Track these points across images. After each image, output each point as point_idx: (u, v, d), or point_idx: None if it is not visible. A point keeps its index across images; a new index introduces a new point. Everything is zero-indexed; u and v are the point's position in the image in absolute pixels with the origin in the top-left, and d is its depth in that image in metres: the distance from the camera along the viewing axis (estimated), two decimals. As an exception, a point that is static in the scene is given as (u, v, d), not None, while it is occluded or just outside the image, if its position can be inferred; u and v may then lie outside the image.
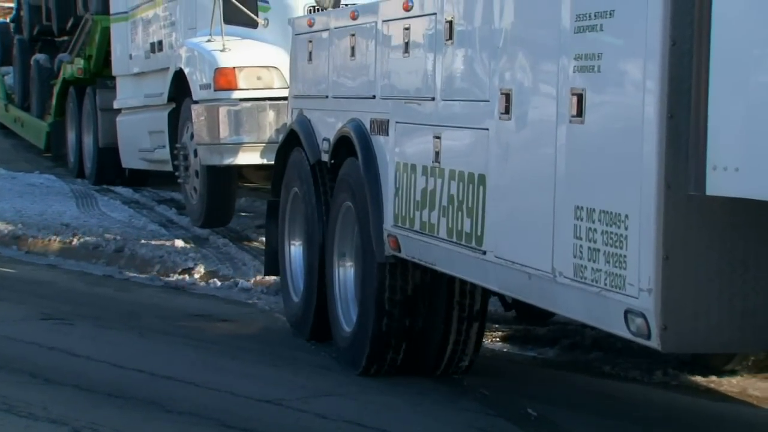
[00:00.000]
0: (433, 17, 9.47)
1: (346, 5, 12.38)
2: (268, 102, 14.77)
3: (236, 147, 15.49)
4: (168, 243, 17.42)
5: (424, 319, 10.21)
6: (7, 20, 32.11)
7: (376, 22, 10.66)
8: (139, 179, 20.07)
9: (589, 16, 6.99)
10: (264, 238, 15.33)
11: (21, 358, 11.38)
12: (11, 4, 51.89)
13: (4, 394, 9.51)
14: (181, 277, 15.67)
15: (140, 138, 18.88)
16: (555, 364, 11.92)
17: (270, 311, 13.84)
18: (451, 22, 8.97)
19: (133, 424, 9.36)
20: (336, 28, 11.64)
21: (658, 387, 10.86)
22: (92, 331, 12.88)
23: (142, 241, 17.45)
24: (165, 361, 11.63)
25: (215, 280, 15.48)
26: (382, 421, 9.72)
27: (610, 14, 6.78)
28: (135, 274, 16.19)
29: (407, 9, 9.83)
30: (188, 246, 17.04)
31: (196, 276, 15.62)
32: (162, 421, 9.59)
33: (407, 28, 9.95)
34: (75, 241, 17.62)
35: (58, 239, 17.72)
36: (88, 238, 17.67)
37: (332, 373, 11.05)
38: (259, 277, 14.85)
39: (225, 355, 11.98)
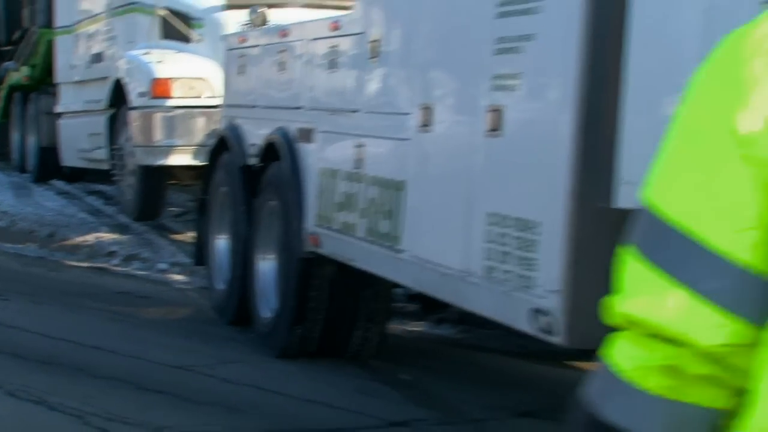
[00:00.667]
0: (359, 36, 9.48)
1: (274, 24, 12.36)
2: (199, 109, 14.73)
3: (169, 149, 15.53)
4: (95, 229, 17.48)
5: (337, 308, 10.27)
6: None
7: (305, 40, 10.70)
8: (76, 177, 19.57)
9: (511, 39, 6.88)
10: (175, 226, 16.60)
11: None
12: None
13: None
14: (106, 258, 15.84)
15: (80, 139, 18.74)
16: (448, 341, 12.40)
17: (182, 290, 14.14)
18: (376, 42, 8.96)
19: (60, 387, 9.43)
20: (267, 44, 11.67)
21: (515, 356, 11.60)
22: (26, 306, 12.95)
23: (72, 227, 17.54)
24: (90, 333, 11.77)
25: (135, 261, 15.71)
26: (278, 384, 10.09)
27: (531, 38, 6.68)
28: (63, 256, 16.22)
29: (335, 29, 9.83)
30: (113, 233, 17.16)
31: (119, 259, 15.78)
32: (86, 385, 9.64)
33: (334, 46, 9.98)
34: (12, 226, 17.52)
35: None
36: (23, 224, 17.67)
37: (237, 344, 11.38)
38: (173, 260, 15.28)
39: (143, 327, 12.40)
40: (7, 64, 23.50)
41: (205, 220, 12.38)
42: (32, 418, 9.02)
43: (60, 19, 19.55)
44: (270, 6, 13.50)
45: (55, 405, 9.12)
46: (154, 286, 14.50)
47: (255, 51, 11.94)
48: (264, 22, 12.32)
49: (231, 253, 11.64)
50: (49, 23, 20.30)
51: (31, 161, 21.88)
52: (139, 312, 12.90)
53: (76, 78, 18.87)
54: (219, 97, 13.12)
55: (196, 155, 13.50)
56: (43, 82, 20.57)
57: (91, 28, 18.29)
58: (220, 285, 11.87)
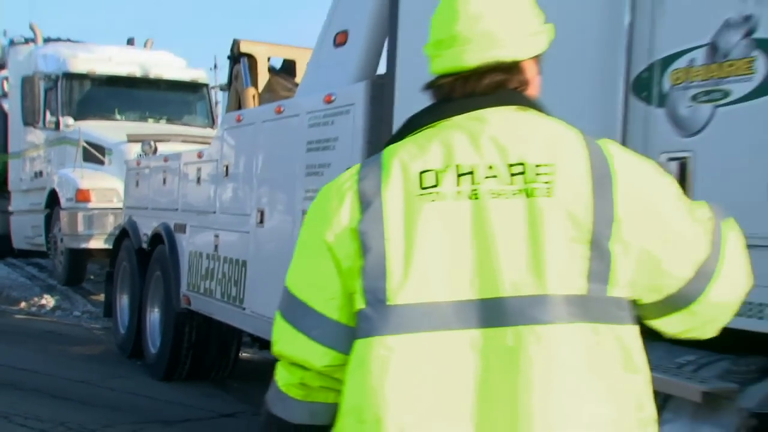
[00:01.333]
0: (216, 162, 9.66)
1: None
2: (109, 210, 14.80)
3: (88, 237, 15.50)
4: (30, 289, 17.30)
5: (203, 345, 10.48)
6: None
7: (180, 164, 10.82)
8: (22, 254, 19.31)
9: (315, 166, 7.28)
10: (92, 288, 16.35)
11: None
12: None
13: None
14: (36, 309, 15.79)
15: (25, 229, 18.58)
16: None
17: (90, 329, 14.17)
18: (227, 165, 9.17)
19: None
20: (155, 166, 11.76)
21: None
22: None
23: (15, 288, 17.33)
24: (22, 359, 11.59)
25: (58, 311, 15.65)
26: (148, 391, 10.15)
27: (328, 165, 6.95)
28: (7, 307, 15.95)
29: (200, 157, 10.06)
30: (43, 292, 16.88)
31: (47, 308, 15.74)
32: (13, 395, 9.51)
33: (200, 168, 10.22)
34: None
35: None
36: None
37: (131, 369, 11.34)
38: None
39: (61, 355, 12.24)
40: None
41: (111, 284, 12.32)
42: None
43: (12, 146, 19.23)
44: (157, 141, 13.76)
45: None
46: (71, 327, 14.33)
47: (146, 171, 11.95)
48: (154, 151, 12.51)
49: (129, 308, 11.65)
50: (5, 149, 19.77)
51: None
52: (59, 346, 12.71)
53: (24, 187, 18.68)
54: (122, 201, 13.12)
55: (106, 241, 13.55)
56: (3, 189, 20.10)
57: (34, 153, 18.10)
58: (121, 329, 11.93)
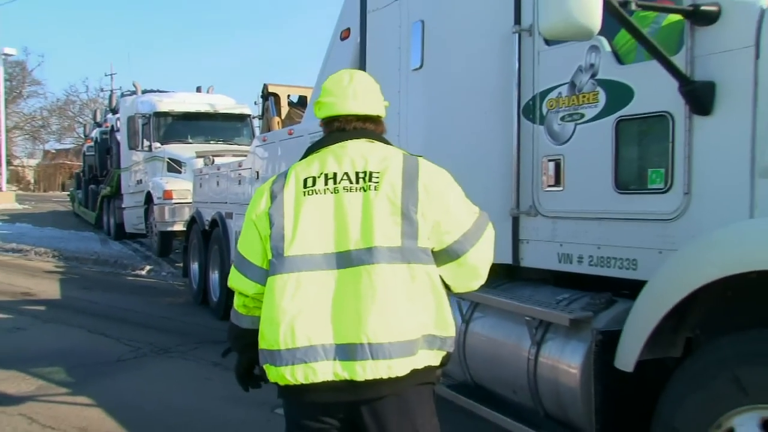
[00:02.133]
0: (250, 169, 9.48)
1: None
2: (185, 204, 14.33)
3: (172, 223, 15.16)
4: (134, 258, 16.99)
5: None
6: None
7: (227, 171, 10.60)
8: (131, 236, 19.19)
9: None
10: (173, 257, 15.91)
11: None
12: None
13: None
14: (140, 272, 15.40)
15: (133, 219, 18.30)
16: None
17: (174, 285, 13.67)
18: (258, 171, 9.15)
19: (105, 326, 8.71)
20: (211, 173, 11.48)
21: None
22: (102, 292, 12.50)
23: (125, 258, 16.98)
24: (128, 303, 11.35)
25: (153, 272, 15.31)
26: (209, 324, 9.69)
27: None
28: (120, 270, 15.71)
29: (240, 166, 10.05)
30: (144, 261, 16.51)
31: (144, 271, 15.37)
32: (122, 326, 9.24)
33: (240, 173, 9.94)
34: (98, 258, 16.83)
35: (91, 258, 16.90)
36: (103, 257, 16.91)
37: (195, 308, 11.01)
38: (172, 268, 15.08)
39: (154, 301, 11.86)
40: (101, 186, 22.78)
41: (187, 255, 11.96)
42: (83, 337, 8.89)
43: (123, 164, 19.04)
44: (215, 155, 13.60)
45: (105, 332, 9.03)
46: (161, 284, 13.98)
47: (206, 176, 11.65)
48: (212, 163, 12.32)
49: (198, 270, 11.24)
50: (119, 165, 19.67)
51: (111, 229, 21.14)
52: (153, 296, 12.33)
53: (130, 191, 18.45)
54: (192, 198, 12.77)
55: (184, 225, 13.11)
56: (116, 193, 20.04)
57: (136, 168, 17.90)
58: (194, 285, 11.49)
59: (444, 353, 2.69)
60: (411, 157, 2.78)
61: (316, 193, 2.68)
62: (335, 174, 2.69)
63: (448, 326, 2.68)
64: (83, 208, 26.74)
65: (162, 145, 16.52)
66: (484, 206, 4.41)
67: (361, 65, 5.88)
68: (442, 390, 4.63)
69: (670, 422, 3.01)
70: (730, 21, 3.27)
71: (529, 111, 4.30)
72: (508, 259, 4.42)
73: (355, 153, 2.74)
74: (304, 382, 2.53)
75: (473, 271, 2.77)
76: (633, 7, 3.23)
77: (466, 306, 4.58)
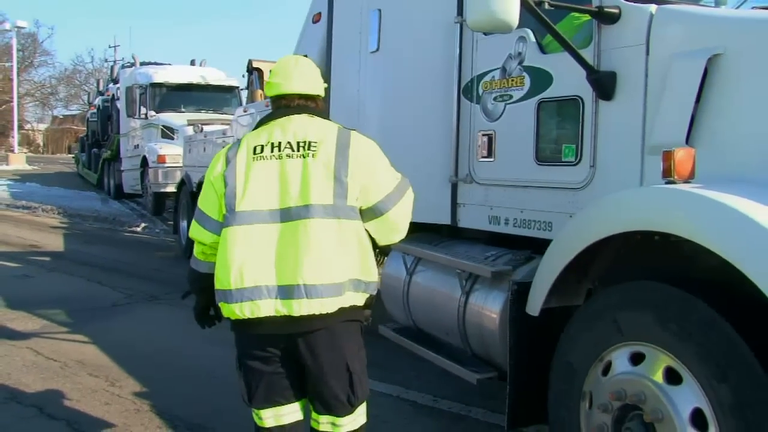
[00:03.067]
0: (233, 137, 9.39)
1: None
2: (177, 168, 14.26)
3: (165, 184, 15.19)
4: (131, 216, 17.02)
5: None
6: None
7: (213, 137, 10.63)
8: (129, 196, 19.13)
9: None
10: (166, 216, 15.89)
11: None
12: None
13: None
14: (135, 228, 15.36)
15: (131, 180, 18.27)
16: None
17: (165, 240, 13.67)
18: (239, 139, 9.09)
19: (90, 272, 8.84)
20: (199, 139, 11.58)
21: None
22: (101, 246, 12.54)
23: (123, 216, 17.00)
24: (124, 256, 11.52)
25: (147, 229, 15.26)
26: None
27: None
28: (117, 227, 15.70)
29: (224, 133, 9.88)
30: (140, 218, 16.53)
31: (140, 228, 15.29)
32: (117, 276, 8.98)
33: (224, 140, 9.82)
34: (98, 216, 16.80)
35: (92, 215, 16.87)
36: (102, 215, 16.93)
37: (183, 261, 10.57)
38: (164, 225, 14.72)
39: (147, 254, 11.93)
40: (102, 150, 22.62)
41: (177, 214, 12.01)
42: (82, 285, 8.99)
43: (122, 130, 18.99)
44: (204, 124, 13.58)
45: (102, 281, 9.15)
46: (154, 239, 14.01)
47: (195, 142, 11.70)
48: (201, 130, 12.28)
49: (186, 227, 11.02)
50: (118, 131, 19.60)
51: (111, 189, 21.09)
52: (147, 250, 12.36)
53: (128, 155, 18.37)
54: (182, 162, 12.76)
55: (175, 187, 13.10)
56: (116, 157, 19.97)
57: (133, 134, 17.86)
58: (183, 241, 11.53)
59: (368, 295, 2.93)
60: (345, 130, 2.99)
61: (264, 159, 2.87)
62: (280, 143, 2.88)
63: (370, 273, 2.92)
64: (86, 169, 26.65)
65: (157, 113, 16.51)
66: (427, 174, 4.69)
67: (328, 47, 6.02)
68: (388, 333, 4.91)
69: (565, 358, 3.26)
70: (628, 22, 3.48)
71: (468, 91, 4.48)
72: (447, 220, 4.64)
73: (297, 126, 2.93)
74: (250, 317, 2.77)
75: (394, 226, 2.99)
76: (546, 6, 3.43)
77: (410, 260, 4.82)
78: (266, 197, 2.82)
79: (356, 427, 2.98)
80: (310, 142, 2.87)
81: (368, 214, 2.93)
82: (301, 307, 2.72)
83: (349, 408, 2.92)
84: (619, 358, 2.96)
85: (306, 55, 6.97)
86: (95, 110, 25.41)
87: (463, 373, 4.02)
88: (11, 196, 20.26)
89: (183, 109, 16.70)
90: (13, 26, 40.42)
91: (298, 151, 2.86)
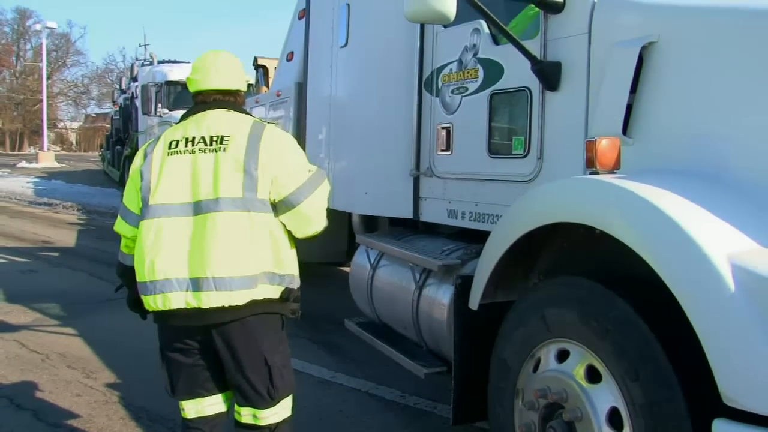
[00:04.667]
0: None
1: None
2: None
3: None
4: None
5: None
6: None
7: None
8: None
9: None
10: None
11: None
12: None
13: None
14: None
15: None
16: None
17: None
18: None
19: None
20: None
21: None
22: (113, 244, 12.32)
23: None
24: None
25: None
26: None
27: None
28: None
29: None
30: None
31: None
32: None
33: None
34: (115, 212, 16.33)
35: (110, 212, 16.78)
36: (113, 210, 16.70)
37: None
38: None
39: None
40: (124, 148, 22.85)
41: None
42: (83, 279, 8.93)
43: (140, 127, 19.19)
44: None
45: (102, 276, 8.89)
46: None
47: None
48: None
49: None
50: (137, 129, 19.81)
51: None
52: None
53: None
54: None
55: None
56: (135, 154, 20.16)
57: (151, 131, 17.89)
58: None
59: (283, 288, 2.90)
60: (259, 124, 2.96)
61: (178, 154, 2.88)
62: (194, 138, 2.89)
63: (285, 266, 2.90)
64: (110, 167, 27.02)
65: (170, 111, 16.66)
66: (391, 167, 4.65)
67: (305, 42, 6.03)
68: (352, 326, 4.88)
69: (501, 355, 3.20)
70: (572, 11, 3.40)
71: (428, 84, 4.44)
72: (409, 215, 4.60)
73: (212, 121, 2.93)
74: (162, 309, 2.79)
75: (307, 219, 2.94)
76: (485, -5, 3.36)
77: (374, 255, 4.79)
78: (179, 191, 2.83)
79: (279, 420, 2.97)
80: (222, 136, 2.87)
81: (281, 207, 2.90)
82: (210, 299, 2.72)
83: (269, 401, 2.91)
84: (547, 355, 2.89)
85: (292, 51, 7.16)
86: (118, 108, 25.78)
87: (412, 366, 3.98)
88: (35, 193, 20.60)
89: (198, 106, 16.87)
90: (44, 27, 40.92)
91: (211, 145, 2.86)
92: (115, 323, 6.81)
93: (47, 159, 35.50)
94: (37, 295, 8.02)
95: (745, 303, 2.08)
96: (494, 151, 3.89)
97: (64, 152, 56.29)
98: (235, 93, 3.07)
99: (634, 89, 3.04)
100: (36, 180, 24.80)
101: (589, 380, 2.65)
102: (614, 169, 2.78)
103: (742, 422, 2.07)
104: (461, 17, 3.59)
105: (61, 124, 66.38)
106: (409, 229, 4.82)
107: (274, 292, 2.88)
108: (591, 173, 2.78)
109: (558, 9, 3.46)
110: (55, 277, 9.24)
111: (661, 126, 2.94)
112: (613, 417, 2.54)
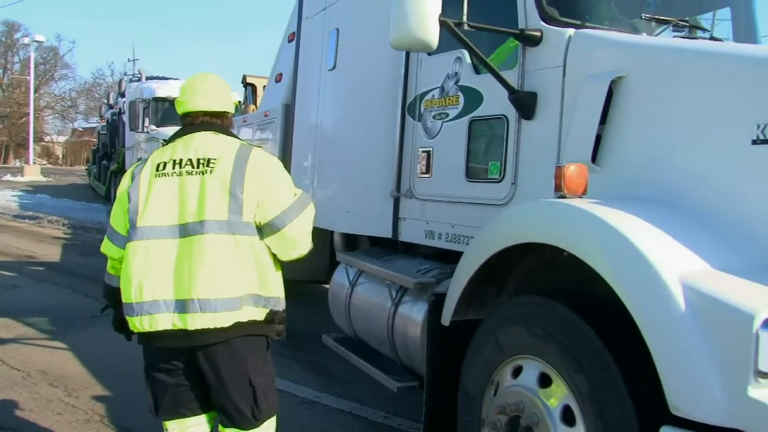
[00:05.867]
0: None
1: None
2: None
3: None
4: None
5: None
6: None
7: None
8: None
9: None
10: None
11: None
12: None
13: None
14: None
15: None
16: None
17: None
18: None
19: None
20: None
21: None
22: (99, 260, 12.20)
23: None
24: None
25: None
26: None
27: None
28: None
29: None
30: None
31: None
32: None
33: None
34: (101, 227, 16.37)
35: (95, 227, 16.79)
36: (106, 227, 16.24)
37: None
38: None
39: None
40: (111, 162, 22.68)
41: None
42: (67, 295, 8.79)
43: (127, 142, 19.16)
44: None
45: (87, 293, 8.88)
46: None
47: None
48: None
49: None
50: (124, 144, 19.77)
51: None
52: None
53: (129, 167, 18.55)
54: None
55: None
56: (122, 169, 20.07)
57: (139, 147, 17.89)
58: None
59: (268, 310, 2.95)
60: (246, 147, 3.02)
61: (165, 176, 2.93)
62: (181, 160, 2.94)
63: (270, 288, 2.95)
64: (96, 181, 26.91)
65: (158, 127, 16.73)
66: (373, 188, 4.81)
67: (295, 64, 6.20)
68: (329, 341, 5.00)
69: (465, 388, 3.29)
70: (548, 44, 3.60)
71: (411, 109, 4.61)
72: (389, 234, 4.74)
73: (199, 143, 2.99)
74: (149, 330, 2.83)
75: (291, 242, 2.98)
76: (466, 27, 3.55)
77: (353, 272, 4.92)
78: (166, 213, 2.87)
79: None
80: (209, 159, 2.91)
81: (266, 229, 2.94)
82: (195, 321, 2.76)
83: (253, 422, 2.95)
84: (504, 376, 3.03)
85: (281, 73, 7.31)
86: (106, 123, 25.83)
87: (385, 380, 4.10)
88: (20, 207, 20.58)
89: (185, 124, 16.96)
90: (32, 40, 40.95)
91: (198, 167, 2.90)
92: (97, 341, 6.76)
93: (33, 173, 35.40)
94: (19, 311, 7.95)
95: (693, 320, 2.23)
96: (471, 175, 4.05)
97: (50, 166, 56.03)
98: (222, 115, 3.12)
99: (603, 120, 3.23)
100: (21, 194, 24.72)
101: (540, 385, 2.80)
102: (581, 194, 2.94)
103: (686, 429, 2.21)
104: (444, 46, 3.74)
105: (47, 138, 66.23)
106: (389, 248, 4.96)
107: (260, 314, 2.92)
108: (559, 197, 2.94)
109: (536, 42, 3.65)
110: (38, 293, 9.17)
111: (627, 155, 3.12)
112: (566, 414, 2.68)
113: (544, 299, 2.80)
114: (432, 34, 3.43)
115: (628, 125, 3.14)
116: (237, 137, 3.14)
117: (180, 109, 3.12)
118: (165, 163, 2.96)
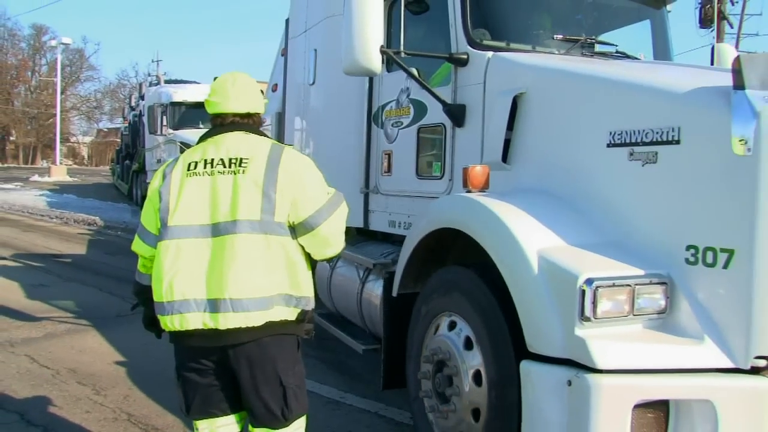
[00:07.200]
0: None
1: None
2: None
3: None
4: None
5: None
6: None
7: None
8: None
9: None
10: None
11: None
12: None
13: None
14: None
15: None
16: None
17: None
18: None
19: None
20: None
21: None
22: (124, 259, 11.65)
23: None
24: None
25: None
26: None
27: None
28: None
29: None
30: None
31: None
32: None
33: None
34: (125, 227, 16.95)
35: (120, 227, 17.33)
36: (131, 226, 16.54)
37: None
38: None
39: None
40: (132, 162, 23.30)
41: None
42: (93, 294, 8.94)
43: (147, 144, 19.69)
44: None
45: (113, 291, 9.11)
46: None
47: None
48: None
49: None
50: (144, 145, 20.30)
51: (139, 200, 21.33)
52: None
53: (153, 168, 18.79)
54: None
55: None
56: (142, 170, 20.67)
57: (157, 149, 18.54)
58: None
59: (299, 310, 2.91)
60: (277, 146, 2.95)
61: (197, 175, 2.86)
62: (213, 160, 2.87)
63: (301, 288, 2.91)
64: (120, 181, 27.64)
65: (175, 130, 17.38)
66: (345, 186, 5.59)
67: (284, 78, 6.96)
68: (315, 317, 5.80)
69: (410, 345, 4.06)
70: (473, 65, 4.34)
71: (375, 118, 5.33)
72: (361, 225, 5.52)
73: (230, 143, 2.92)
74: (180, 329, 2.79)
75: (325, 241, 2.94)
76: (403, 54, 4.33)
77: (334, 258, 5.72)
78: (198, 212, 2.81)
79: None
80: (241, 159, 2.85)
81: (300, 229, 2.89)
82: (227, 321, 2.72)
83: (283, 422, 2.91)
84: (430, 332, 3.81)
85: (276, 83, 8.02)
86: (128, 124, 26.55)
87: (352, 343, 4.91)
88: (47, 206, 21.09)
89: (201, 126, 17.47)
90: (59, 43, 41.66)
91: (230, 167, 2.83)
92: (124, 340, 6.79)
93: (59, 173, 36.30)
94: (47, 310, 7.96)
95: (542, 281, 3.00)
96: (420, 173, 4.81)
97: (76, 166, 57.11)
98: (252, 115, 3.06)
99: (510, 127, 3.97)
100: (48, 193, 25.28)
101: (449, 329, 3.62)
102: (483, 189, 3.71)
103: (538, 361, 3.01)
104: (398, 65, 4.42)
105: (73, 139, 67.55)
106: (366, 236, 5.71)
107: (291, 313, 2.87)
108: (466, 192, 3.72)
109: (463, 63, 4.40)
110: (65, 292, 9.13)
111: (528, 156, 3.86)
112: (467, 343, 3.47)
113: (460, 268, 3.54)
114: (375, 62, 4.16)
115: (527, 132, 3.89)
116: (267, 136, 3.09)
117: (211, 110, 3.05)
118: (196, 163, 2.90)
